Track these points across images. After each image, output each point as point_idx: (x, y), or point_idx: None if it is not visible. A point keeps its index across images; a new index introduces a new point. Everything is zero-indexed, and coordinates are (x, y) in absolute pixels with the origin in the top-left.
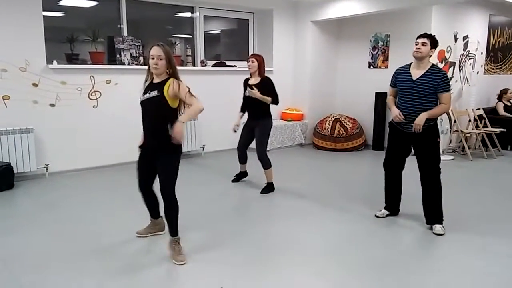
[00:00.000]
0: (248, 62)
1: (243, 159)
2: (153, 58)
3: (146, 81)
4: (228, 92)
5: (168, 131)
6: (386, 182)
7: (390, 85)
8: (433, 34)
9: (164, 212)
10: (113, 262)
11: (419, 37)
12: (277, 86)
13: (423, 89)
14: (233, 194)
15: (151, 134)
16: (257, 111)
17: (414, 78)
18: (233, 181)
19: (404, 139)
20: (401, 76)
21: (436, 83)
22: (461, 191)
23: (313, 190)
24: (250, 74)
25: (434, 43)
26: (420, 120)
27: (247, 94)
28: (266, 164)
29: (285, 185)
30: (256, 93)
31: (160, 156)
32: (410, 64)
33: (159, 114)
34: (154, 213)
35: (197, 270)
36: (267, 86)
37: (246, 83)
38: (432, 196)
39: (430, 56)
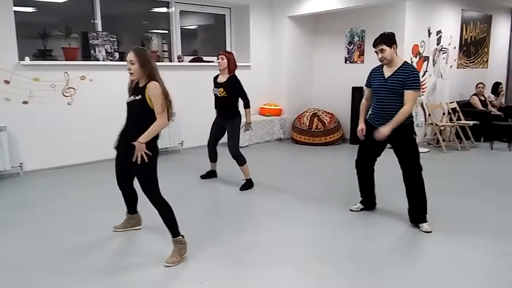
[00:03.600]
0: (218, 59)
1: (213, 157)
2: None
3: (132, 81)
4: (206, 87)
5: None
6: (359, 179)
7: (366, 85)
8: (384, 33)
9: (161, 218)
10: (91, 261)
11: (374, 45)
12: (255, 82)
13: (394, 86)
14: (212, 192)
15: (132, 134)
16: (226, 109)
17: (386, 77)
18: (202, 177)
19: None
20: (374, 76)
21: (404, 79)
22: (436, 183)
23: (293, 184)
24: (220, 71)
25: (389, 42)
26: (382, 134)
27: (244, 131)
28: (240, 161)
29: (265, 180)
30: (249, 126)
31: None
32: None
33: (142, 116)
34: (131, 208)
35: (177, 269)
36: (234, 85)
37: (215, 81)
38: (416, 193)
39: (396, 53)
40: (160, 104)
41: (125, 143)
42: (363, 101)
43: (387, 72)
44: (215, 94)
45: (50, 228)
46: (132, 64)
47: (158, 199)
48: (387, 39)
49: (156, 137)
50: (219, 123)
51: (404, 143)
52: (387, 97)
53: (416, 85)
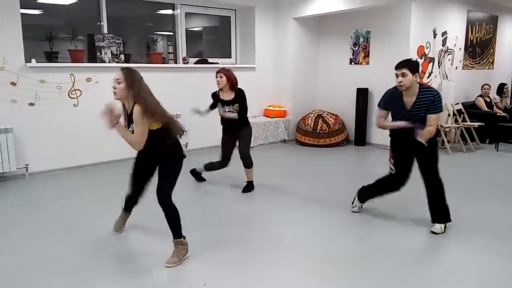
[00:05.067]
0: (216, 77)
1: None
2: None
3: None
4: (210, 89)
5: (164, 148)
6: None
7: (381, 107)
8: (410, 58)
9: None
10: (96, 262)
11: (397, 67)
12: (260, 83)
13: (419, 114)
14: (214, 194)
15: (152, 155)
16: (241, 121)
17: (408, 107)
18: (191, 171)
19: (408, 146)
20: (393, 104)
21: (428, 105)
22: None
23: (297, 186)
24: (221, 89)
25: (414, 68)
26: (428, 134)
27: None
28: (248, 163)
29: (269, 182)
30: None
31: (161, 166)
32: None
33: (148, 141)
34: (130, 206)
35: (182, 270)
36: (241, 99)
37: (217, 98)
38: (435, 195)
39: (417, 80)
40: (138, 131)
41: (149, 162)
42: (381, 120)
43: (408, 100)
44: (228, 111)
45: (56, 229)
46: (118, 83)
47: (169, 202)
48: (412, 66)
49: (179, 147)
50: (232, 136)
51: (429, 150)
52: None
53: (440, 108)
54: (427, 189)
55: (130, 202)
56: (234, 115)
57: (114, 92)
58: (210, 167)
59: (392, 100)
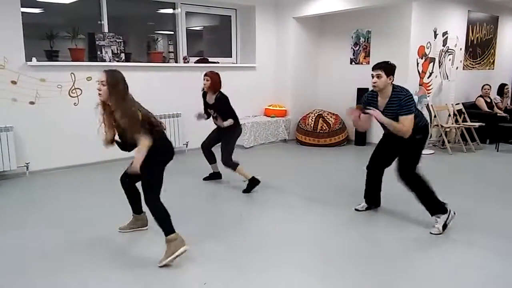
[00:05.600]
0: (203, 79)
1: (211, 159)
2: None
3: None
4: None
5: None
6: (366, 182)
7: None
8: (387, 61)
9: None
10: (95, 260)
11: (373, 68)
12: (260, 83)
13: (392, 116)
14: (214, 193)
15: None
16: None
17: (381, 108)
18: (205, 179)
19: (390, 143)
20: (370, 104)
21: (398, 107)
22: (442, 185)
23: (297, 185)
24: (206, 91)
25: (389, 71)
26: (379, 116)
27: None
28: (233, 168)
29: (269, 181)
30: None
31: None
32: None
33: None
34: (136, 209)
35: (181, 269)
36: (222, 105)
37: (205, 100)
38: (418, 193)
39: (391, 82)
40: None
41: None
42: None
43: (381, 102)
44: (212, 116)
45: (56, 227)
46: (103, 85)
47: (154, 203)
48: (387, 68)
49: (159, 148)
50: (219, 131)
51: (410, 150)
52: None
53: (408, 110)
54: (409, 189)
55: (129, 198)
56: (221, 123)
57: (99, 94)
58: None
59: (370, 100)
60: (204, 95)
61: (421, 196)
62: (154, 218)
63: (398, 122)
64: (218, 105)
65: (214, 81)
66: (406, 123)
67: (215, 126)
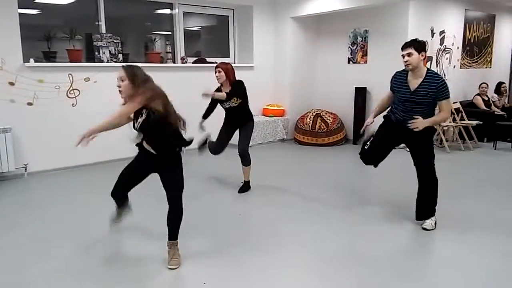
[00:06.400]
0: (215, 73)
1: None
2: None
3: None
4: (209, 88)
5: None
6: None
7: (390, 89)
8: (415, 38)
9: (168, 217)
10: (94, 261)
11: (402, 48)
12: (258, 82)
13: (422, 99)
14: (212, 193)
15: (162, 151)
16: (244, 114)
17: (411, 89)
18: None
19: (397, 134)
20: (398, 84)
21: (434, 92)
22: (440, 183)
23: (295, 185)
24: (221, 84)
25: (419, 47)
26: (422, 124)
27: (214, 96)
28: (246, 160)
29: (267, 181)
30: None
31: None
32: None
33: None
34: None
35: (181, 269)
36: (241, 87)
37: (212, 101)
38: (428, 191)
39: (424, 60)
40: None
41: (154, 159)
42: (384, 98)
43: (413, 82)
44: (228, 107)
45: (54, 228)
46: (122, 80)
47: (180, 201)
48: (417, 45)
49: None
50: (232, 128)
51: (423, 143)
52: (414, 107)
53: (447, 94)
54: (420, 184)
55: (121, 206)
56: (222, 95)
57: (120, 91)
58: (208, 144)
59: (398, 81)
60: (219, 91)
61: (431, 195)
62: (175, 218)
63: (433, 113)
64: (236, 92)
65: (228, 70)
66: (446, 108)
67: (217, 130)
